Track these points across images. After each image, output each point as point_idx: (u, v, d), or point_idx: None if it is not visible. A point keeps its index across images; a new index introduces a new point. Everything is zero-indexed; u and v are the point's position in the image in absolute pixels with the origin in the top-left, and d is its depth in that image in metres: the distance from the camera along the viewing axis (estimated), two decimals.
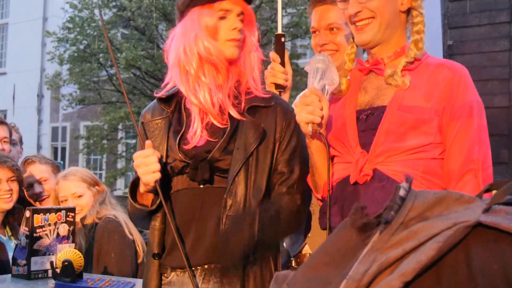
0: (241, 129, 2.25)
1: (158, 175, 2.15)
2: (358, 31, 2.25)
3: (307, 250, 2.60)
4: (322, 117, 2.09)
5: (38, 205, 3.83)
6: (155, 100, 2.44)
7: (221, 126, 2.28)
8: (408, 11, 2.27)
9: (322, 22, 2.81)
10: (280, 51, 2.66)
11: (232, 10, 2.29)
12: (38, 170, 4.01)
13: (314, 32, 2.86)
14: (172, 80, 2.38)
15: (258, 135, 2.23)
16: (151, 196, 2.34)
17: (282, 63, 2.63)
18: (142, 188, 2.25)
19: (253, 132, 2.23)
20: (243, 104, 2.27)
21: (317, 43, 2.83)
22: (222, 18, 2.28)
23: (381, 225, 1.12)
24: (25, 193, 3.86)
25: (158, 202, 2.30)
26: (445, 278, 1.03)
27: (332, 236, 1.21)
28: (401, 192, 1.14)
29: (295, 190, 2.29)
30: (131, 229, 3.49)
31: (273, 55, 2.62)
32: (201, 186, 2.28)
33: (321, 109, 2.09)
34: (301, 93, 2.24)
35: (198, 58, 2.27)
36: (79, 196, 3.66)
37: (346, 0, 2.24)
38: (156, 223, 2.36)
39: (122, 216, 3.49)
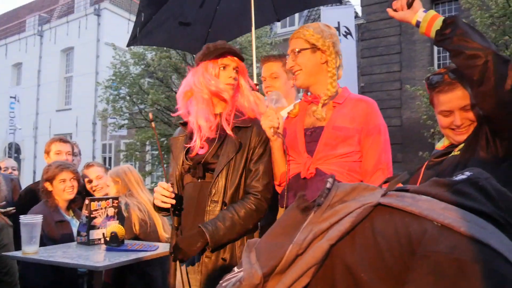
0: (226, 142, 2.23)
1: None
2: (294, 78, 2.30)
3: None
4: (279, 123, 2.10)
5: (95, 194, 3.86)
6: (180, 125, 2.44)
7: (215, 139, 2.25)
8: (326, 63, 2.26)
9: (267, 72, 2.89)
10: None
11: (230, 65, 2.29)
12: (96, 171, 4.00)
13: (263, 80, 2.93)
14: (181, 108, 2.35)
15: (236, 148, 2.21)
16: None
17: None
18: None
19: (233, 145, 2.22)
20: (231, 125, 2.25)
21: (264, 87, 2.91)
22: (223, 69, 2.28)
23: (315, 207, 1.13)
24: (86, 185, 3.89)
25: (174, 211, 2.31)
26: (357, 240, 1.03)
27: (284, 214, 1.20)
28: (328, 185, 1.16)
29: (260, 184, 2.22)
30: (129, 209, 3.41)
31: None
32: (199, 180, 2.26)
33: (278, 119, 2.11)
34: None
35: (208, 91, 2.27)
36: (107, 185, 3.70)
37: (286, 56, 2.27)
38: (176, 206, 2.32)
39: (126, 200, 3.46)
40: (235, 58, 2.31)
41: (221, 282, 1.21)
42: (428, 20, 1.78)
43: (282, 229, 1.16)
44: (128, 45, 3.97)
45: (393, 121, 14.46)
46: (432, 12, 1.80)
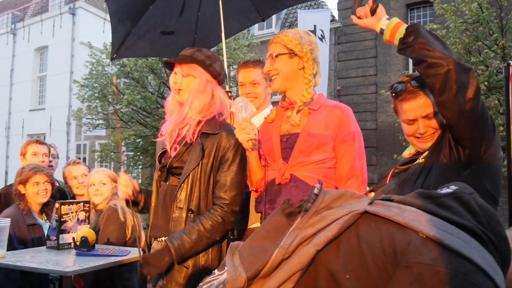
0: (193, 149, 2.21)
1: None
2: (271, 82, 2.29)
3: (250, 226, 2.58)
4: (256, 134, 2.07)
5: (79, 191, 3.88)
6: None
7: (187, 143, 2.25)
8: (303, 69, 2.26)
9: (247, 79, 2.84)
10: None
11: (176, 71, 2.29)
12: (82, 168, 4.01)
13: (242, 85, 2.87)
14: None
15: (200, 155, 2.19)
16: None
17: None
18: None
19: (198, 152, 2.19)
20: (197, 132, 2.23)
21: (244, 93, 2.84)
22: (174, 74, 2.29)
23: (301, 212, 1.13)
24: (70, 182, 3.91)
25: (142, 205, 2.43)
26: (342, 246, 1.04)
27: (268, 218, 1.20)
28: (315, 190, 1.16)
29: (227, 195, 2.17)
30: (125, 215, 3.40)
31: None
32: (166, 183, 2.28)
33: (253, 129, 2.07)
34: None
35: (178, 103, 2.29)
36: (104, 184, 3.58)
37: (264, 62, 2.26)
38: (152, 204, 2.34)
39: (121, 204, 3.40)
40: (181, 64, 2.27)
41: (201, 284, 1.20)
42: (391, 28, 1.79)
43: (266, 232, 1.16)
44: (112, 59, 4.03)
45: (368, 124, 14.60)
46: (395, 20, 1.81)
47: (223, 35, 3.50)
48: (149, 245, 2.31)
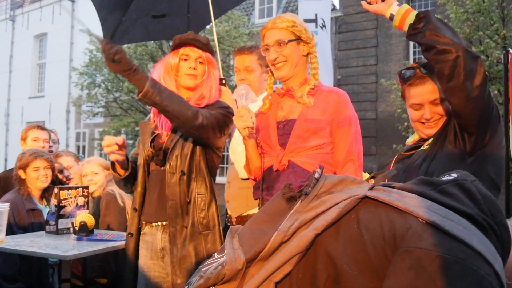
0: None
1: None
2: (276, 70, 2.24)
3: (248, 213, 2.59)
4: (253, 123, 2.08)
5: (67, 184, 3.77)
6: (151, 111, 2.45)
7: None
8: (307, 55, 2.27)
9: (242, 65, 2.83)
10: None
11: (191, 55, 2.32)
12: (65, 160, 3.95)
13: (237, 71, 2.87)
14: None
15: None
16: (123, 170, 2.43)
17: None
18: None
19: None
20: None
21: (238, 79, 2.85)
22: (184, 60, 2.32)
23: (302, 196, 1.14)
24: (58, 176, 3.77)
25: (127, 174, 2.41)
26: (341, 231, 1.04)
27: (269, 202, 1.21)
28: (316, 175, 1.17)
29: (209, 114, 2.23)
30: (123, 199, 3.43)
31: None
32: (162, 168, 2.30)
33: (251, 118, 2.08)
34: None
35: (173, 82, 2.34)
36: (96, 173, 3.61)
37: (267, 49, 2.23)
38: (138, 188, 2.37)
39: (118, 190, 3.42)
40: (196, 49, 2.31)
41: (200, 267, 1.21)
42: (401, 13, 1.80)
43: (267, 216, 1.17)
44: None
45: (368, 114, 14.58)
46: (406, 6, 1.82)
47: (212, 12, 3.40)
48: (139, 229, 2.36)
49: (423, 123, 1.86)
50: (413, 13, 1.76)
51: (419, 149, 1.85)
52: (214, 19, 3.31)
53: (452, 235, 0.94)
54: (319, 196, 1.13)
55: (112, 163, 2.37)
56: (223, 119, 2.28)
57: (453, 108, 1.71)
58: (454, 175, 1.10)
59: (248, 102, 2.18)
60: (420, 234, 0.95)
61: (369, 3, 1.91)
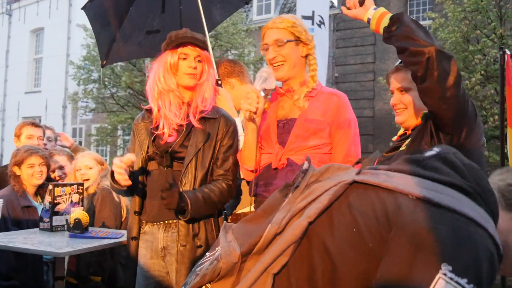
0: (194, 133, 2.25)
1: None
2: (275, 71, 2.25)
3: (241, 210, 2.61)
4: (257, 108, 2.09)
5: (60, 181, 3.74)
6: (144, 110, 2.42)
7: (183, 128, 2.27)
8: (306, 56, 2.28)
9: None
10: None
11: (190, 54, 2.28)
12: (58, 160, 3.89)
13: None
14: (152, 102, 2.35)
15: (204, 138, 2.24)
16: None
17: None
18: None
19: (202, 135, 2.24)
20: (197, 115, 2.26)
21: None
22: (183, 59, 2.28)
23: (293, 187, 1.17)
24: (51, 174, 3.75)
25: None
26: (334, 217, 1.06)
27: (267, 200, 1.24)
28: (305, 166, 1.20)
29: (229, 173, 2.29)
30: (119, 195, 3.41)
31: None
32: (165, 168, 2.26)
33: (258, 103, 2.08)
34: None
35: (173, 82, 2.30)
36: (90, 168, 3.57)
37: (266, 48, 2.24)
38: (138, 191, 2.34)
39: None
40: (196, 47, 2.29)
41: (194, 268, 1.22)
42: (377, 17, 1.86)
43: (263, 212, 1.20)
44: (102, 66, 4.07)
45: (365, 112, 14.60)
46: (381, 10, 1.87)
47: (206, 27, 3.42)
48: (139, 229, 2.33)
49: (396, 110, 1.99)
50: (388, 16, 1.81)
51: (398, 151, 1.90)
52: (208, 32, 3.32)
53: (444, 206, 0.96)
54: (309, 186, 1.15)
55: (112, 174, 2.28)
56: (236, 169, 2.34)
57: (428, 109, 1.76)
58: (436, 149, 1.12)
59: (262, 87, 2.17)
60: (413, 210, 0.97)
61: (349, 8, 1.97)
